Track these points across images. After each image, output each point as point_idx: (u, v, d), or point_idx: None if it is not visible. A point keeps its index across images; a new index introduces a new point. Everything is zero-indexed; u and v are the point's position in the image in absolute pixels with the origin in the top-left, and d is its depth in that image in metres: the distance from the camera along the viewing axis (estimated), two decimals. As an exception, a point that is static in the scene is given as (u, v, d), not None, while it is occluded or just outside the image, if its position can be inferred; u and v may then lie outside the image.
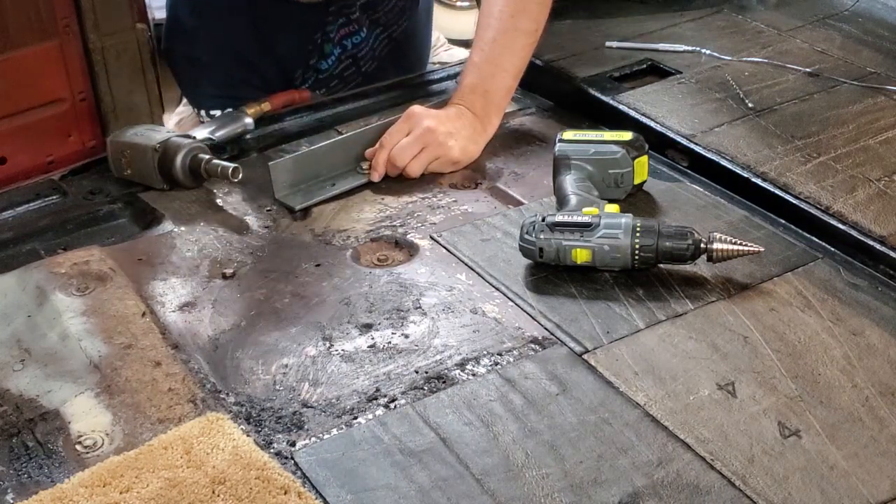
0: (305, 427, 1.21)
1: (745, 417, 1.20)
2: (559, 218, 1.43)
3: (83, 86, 1.73)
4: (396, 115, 1.76)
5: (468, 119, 1.76)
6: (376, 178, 1.70)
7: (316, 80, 2.14)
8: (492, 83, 1.79)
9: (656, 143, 1.70)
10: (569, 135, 1.62)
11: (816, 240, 1.50)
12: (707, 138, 1.69)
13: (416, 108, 1.75)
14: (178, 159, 1.65)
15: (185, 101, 2.27)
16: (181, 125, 2.22)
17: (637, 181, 1.59)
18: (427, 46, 2.36)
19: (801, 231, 1.53)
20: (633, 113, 1.78)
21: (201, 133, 1.76)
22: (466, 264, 1.49)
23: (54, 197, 1.68)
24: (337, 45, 2.12)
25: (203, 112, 2.15)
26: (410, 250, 1.54)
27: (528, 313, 1.38)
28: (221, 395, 1.26)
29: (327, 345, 1.34)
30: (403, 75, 2.12)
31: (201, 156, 1.66)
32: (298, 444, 1.19)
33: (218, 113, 2.00)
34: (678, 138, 1.71)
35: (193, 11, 2.12)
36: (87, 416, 1.23)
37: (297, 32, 2.09)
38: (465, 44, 2.75)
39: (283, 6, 2.06)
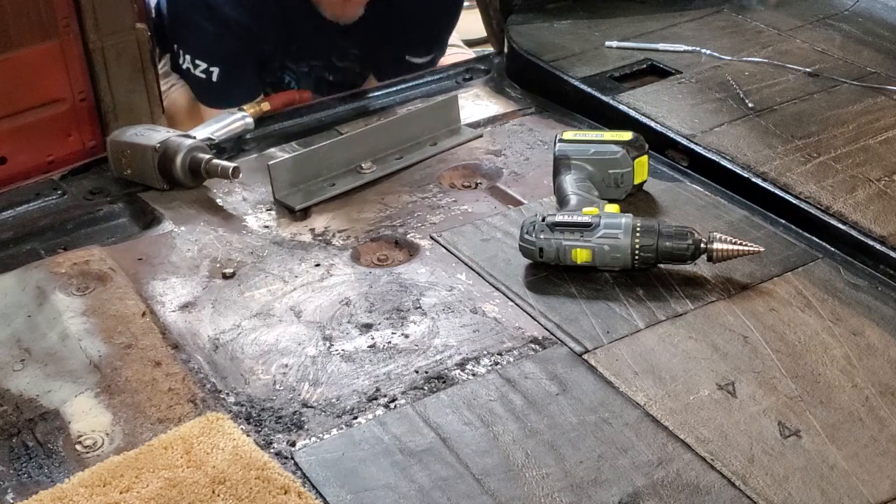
0: (305, 427, 1.21)
1: (745, 417, 1.20)
2: (559, 218, 1.43)
3: (83, 86, 1.73)
4: (396, 115, 1.76)
5: None
6: None
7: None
8: None
9: (656, 143, 1.70)
10: (569, 135, 1.62)
11: (816, 240, 1.50)
12: (707, 138, 1.69)
13: None
14: (178, 159, 1.66)
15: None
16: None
17: (637, 181, 1.59)
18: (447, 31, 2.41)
19: (801, 231, 1.53)
20: (632, 113, 1.78)
21: (201, 133, 1.77)
22: (466, 264, 1.49)
23: (54, 197, 1.68)
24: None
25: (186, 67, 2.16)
26: (410, 250, 1.54)
27: (528, 313, 1.38)
28: (221, 395, 1.26)
29: (327, 345, 1.34)
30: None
31: (201, 155, 1.66)
32: (298, 444, 1.19)
33: (218, 113, 2.01)
34: (678, 138, 1.71)
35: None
36: (87, 416, 1.23)
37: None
38: (465, 44, 2.75)
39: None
